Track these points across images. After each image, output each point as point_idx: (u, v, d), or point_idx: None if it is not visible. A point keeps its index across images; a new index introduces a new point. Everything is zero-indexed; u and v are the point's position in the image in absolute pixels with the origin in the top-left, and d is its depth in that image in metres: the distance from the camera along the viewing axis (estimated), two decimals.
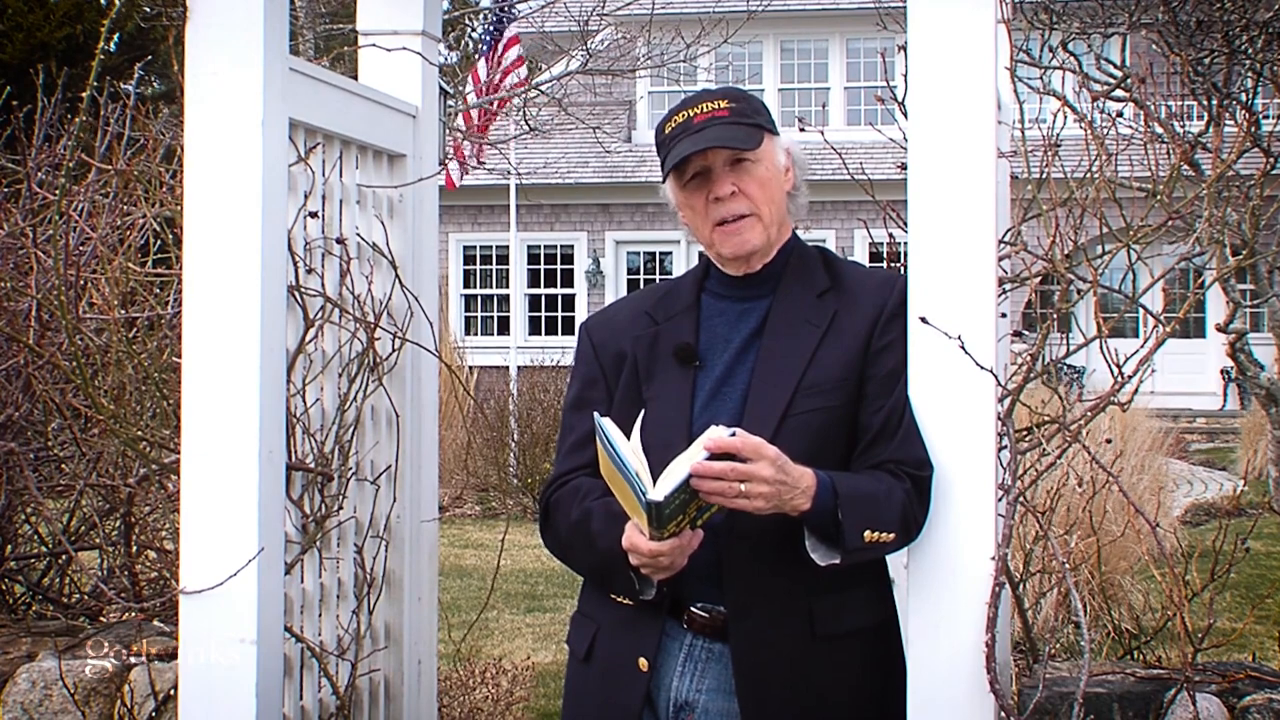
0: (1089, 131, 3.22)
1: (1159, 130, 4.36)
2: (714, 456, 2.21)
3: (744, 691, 2.39)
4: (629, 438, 2.31)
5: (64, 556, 4.70)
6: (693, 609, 2.43)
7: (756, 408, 2.41)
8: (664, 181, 2.56)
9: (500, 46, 13.33)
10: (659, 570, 2.33)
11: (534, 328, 22.24)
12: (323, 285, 3.29)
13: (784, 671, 2.39)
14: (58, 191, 3.65)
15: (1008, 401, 2.71)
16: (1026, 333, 3.52)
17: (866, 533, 2.33)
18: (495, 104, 13.33)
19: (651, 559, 2.29)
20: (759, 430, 2.37)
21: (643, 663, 2.43)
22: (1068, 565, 3.99)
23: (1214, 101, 5.15)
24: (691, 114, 2.48)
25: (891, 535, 2.37)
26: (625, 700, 2.44)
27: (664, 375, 2.48)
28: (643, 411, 2.43)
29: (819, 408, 2.40)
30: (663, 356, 2.50)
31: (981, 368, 2.48)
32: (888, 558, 2.56)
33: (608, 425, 2.30)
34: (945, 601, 2.51)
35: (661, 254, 22.13)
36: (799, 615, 2.39)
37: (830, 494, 2.30)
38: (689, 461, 2.22)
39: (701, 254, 2.67)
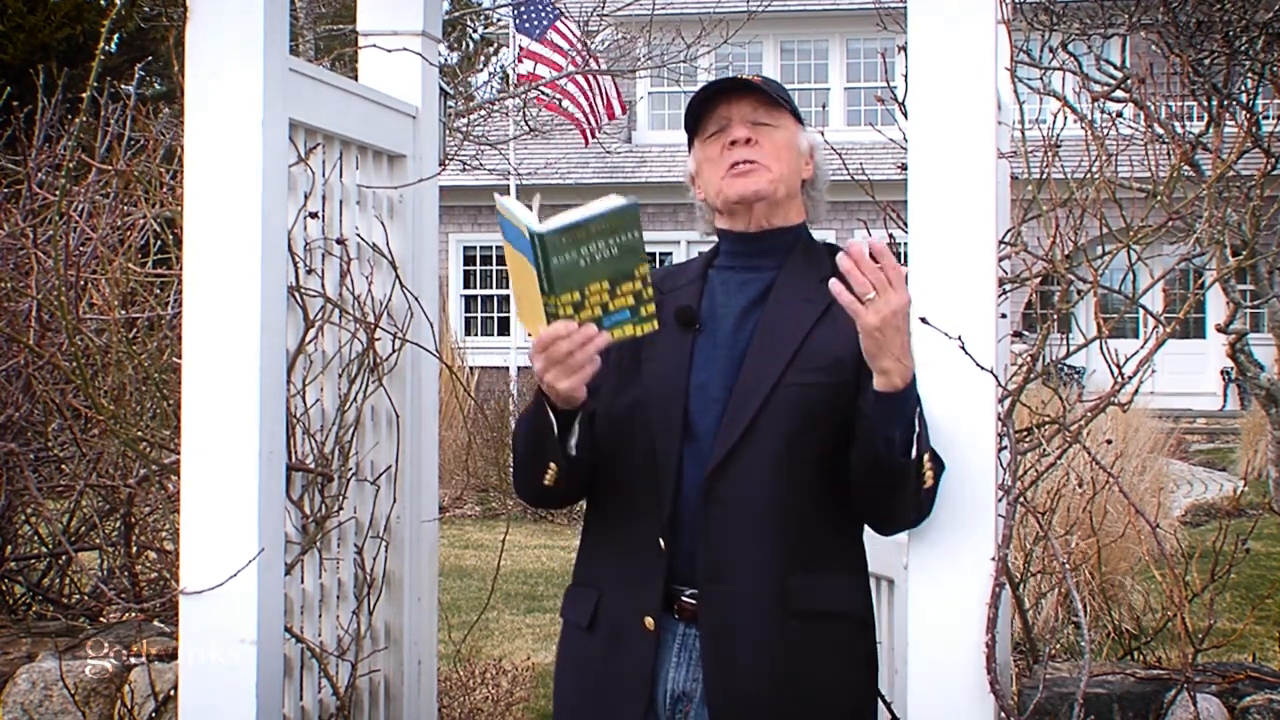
0: (1089, 132, 3.22)
1: (1159, 131, 4.36)
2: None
3: (709, 660, 2.38)
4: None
5: (64, 557, 4.70)
6: (683, 598, 2.43)
7: (750, 374, 2.43)
8: (688, 136, 2.59)
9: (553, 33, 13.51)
10: (553, 366, 2.25)
11: None
12: (323, 286, 3.29)
13: (751, 641, 2.37)
14: (58, 192, 3.65)
15: (1008, 402, 2.71)
16: (1026, 333, 3.53)
17: (928, 459, 2.35)
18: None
19: (546, 346, 2.22)
20: (750, 396, 2.40)
21: (649, 621, 2.42)
22: (1068, 565, 3.99)
23: (1214, 102, 5.16)
24: (722, 80, 2.56)
25: (929, 482, 2.38)
26: (636, 665, 2.43)
27: (664, 339, 2.49)
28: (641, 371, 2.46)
29: (810, 383, 2.41)
30: (664, 322, 2.52)
31: (981, 368, 2.48)
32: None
33: (507, 202, 2.23)
34: (945, 601, 2.51)
35: (662, 254, 22.12)
36: (773, 588, 2.39)
37: (916, 400, 2.31)
38: (587, 210, 2.19)
39: (701, 253, 2.68)
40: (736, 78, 2.53)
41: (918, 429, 2.32)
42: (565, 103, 14.16)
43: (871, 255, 2.22)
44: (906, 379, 2.29)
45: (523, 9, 13.83)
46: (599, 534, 2.53)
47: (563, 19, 13.69)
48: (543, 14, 13.77)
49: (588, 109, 14.34)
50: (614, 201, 2.21)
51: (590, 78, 13.90)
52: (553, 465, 2.41)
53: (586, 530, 2.60)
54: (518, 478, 2.54)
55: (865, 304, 2.22)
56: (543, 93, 13.64)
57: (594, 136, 14.66)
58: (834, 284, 2.23)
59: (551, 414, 2.37)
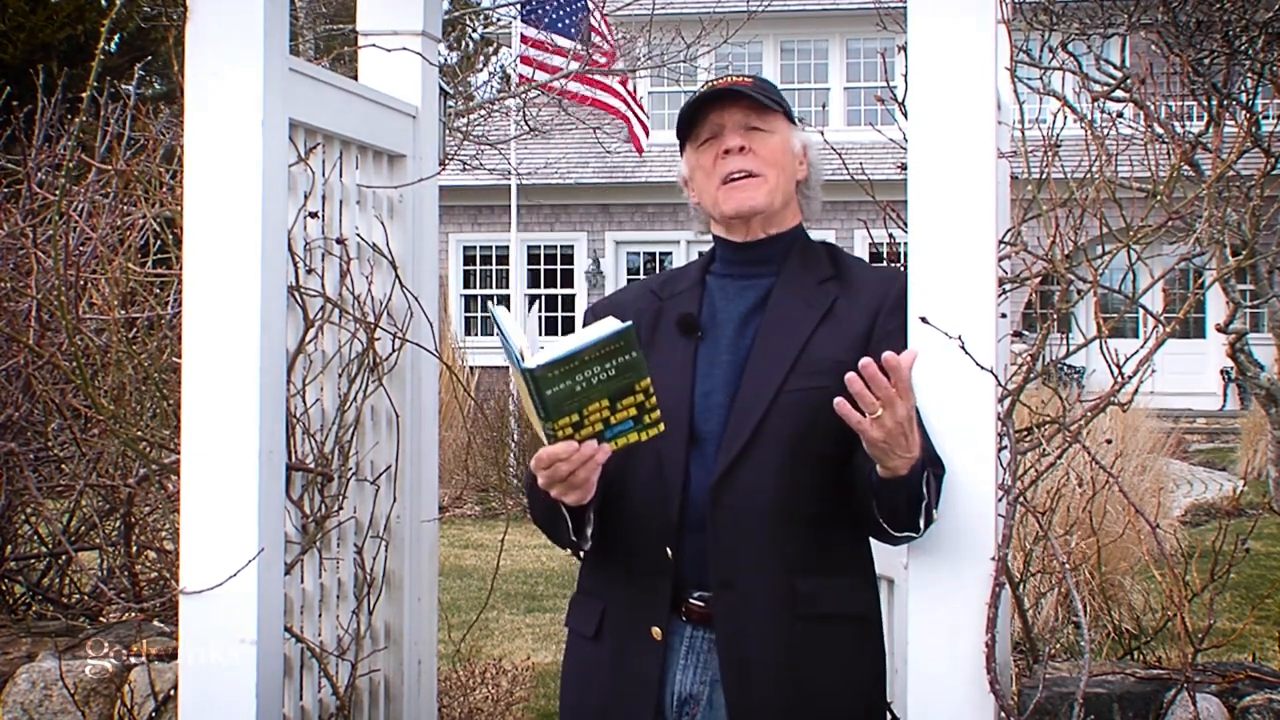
0: (1089, 132, 3.22)
1: (1159, 130, 4.36)
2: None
3: (727, 667, 2.39)
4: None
5: (64, 556, 4.70)
6: (690, 600, 2.43)
7: (753, 381, 2.43)
8: (680, 144, 2.58)
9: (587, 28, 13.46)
10: (557, 483, 2.25)
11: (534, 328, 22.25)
12: (323, 285, 3.29)
13: (766, 648, 2.38)
14: (58, 191, 3.65)
15: (1008, 401, 2.71)
16: (1026, 333, 3.53)
17: (935, 512, 2.38)
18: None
19: (548, 466, 2.23)
20: (753, 403, 2.40)
21: (656, 632, 2.42)
22: (1068, 565, 3.99)
23: (1214, 102, 5.16)
24: (715, 82, 2.55)
25: (935, 517, 2.41)
26: (641, 673, 2.43)
27: (666, 346, 2.49)
28: None
29: (813, 387, 2.41)
30: (665, 329, 2.52)
31: (981, 368, 2.48)
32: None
33: (501, 314, 2.21)
34: (945, 601, 2.51)
35: (661, 254, 22.13)
36: (783, 592, 2.39)
37: (921, 466, 2.31)
38: (581, 339, 2.17)
39: (701, 253, 2.68)
40: (728, 86, 2.51)
41: (926, 497, 2.33)
42: (619, 104, 14.06)
43: (883, 370, 2.20)
44: (911, 465, 2.29)
45: (527, 5, 13.80)
46: (604, 544, 2.52)
47: (594, 15, 13.61)
48: (569, 9, 13.66)
49: (634, 118, 14.22)
50: (607, 328, 2.17)
51: (628, 91, 13.82)
52: (570, 549, 2.46)
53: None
54: (531, 514, 2.55)
55: (871, 420, 2.22)
56: (571, 98, 13.52)
57: (644, 142, 14.56)
58: (839, 403, 2.21)
59: (564, 509, 2.38)
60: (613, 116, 14.69)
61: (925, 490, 2.33)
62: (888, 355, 2.21)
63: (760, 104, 2.50)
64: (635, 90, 14.59)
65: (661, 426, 2.24)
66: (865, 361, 2.20)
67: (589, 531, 2.43)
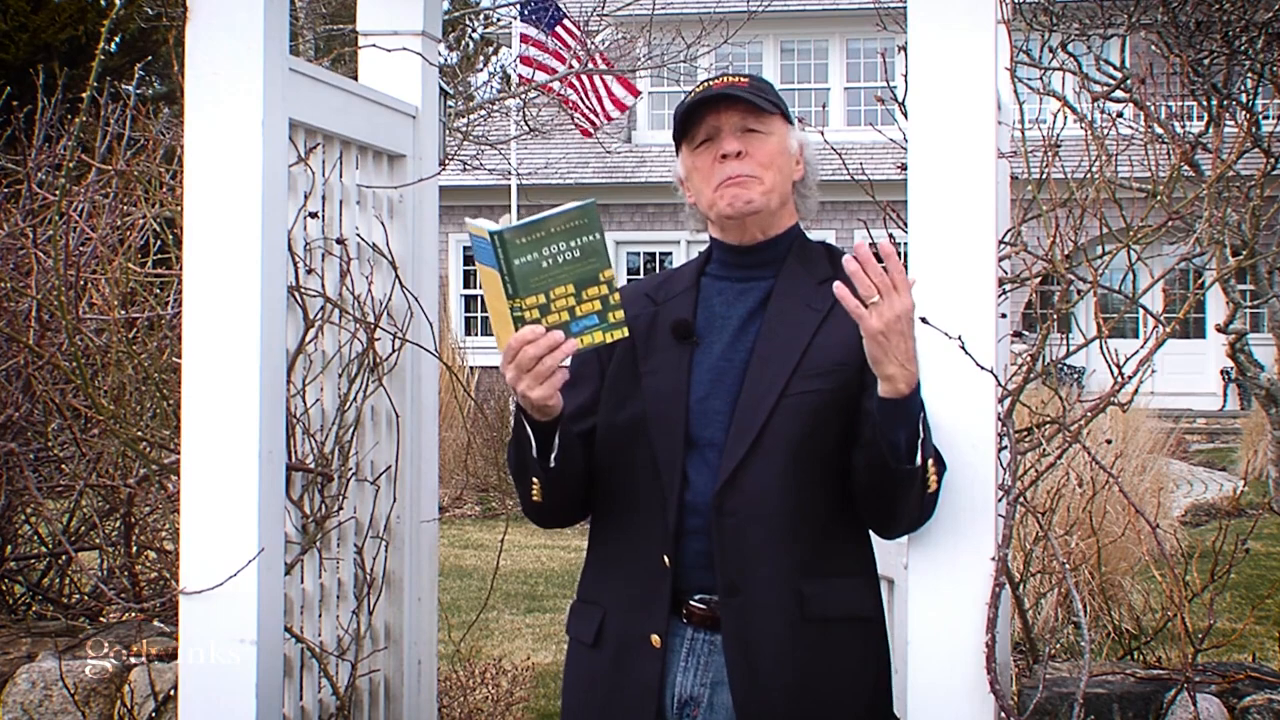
0: (1089, 132, 3.22)
1: (1159, 131, 4.36)
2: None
3: (734, 671, 2.39)
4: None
5: (64, 557, 4.70)
6: (691, 601, 2.43)
7: (754, 385, 2.42)
8: (676, 145, 2.57)
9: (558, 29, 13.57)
10: (524, 375, 2.24)
11: None
12: (323, 286, 3.29)
13: (773, 652, 2.38)
14: (58, 192, 3.66)
15: (1008, 402, 2.71)
16: (1026, 333, 3.53)
17: (932, 463, 2.35)
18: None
19: (514, 354, 2.22)
20: (755, 407, 2.39)
21: (655, 639, 2.42)
22: (1068, 565, 4.00)
23: (1214, 102, 5.16)
24: (711, 83, 2.53)
25: (934, 486, 2.38)
26: (642, 679, 2.43)
27: (662, 352, 2.49)
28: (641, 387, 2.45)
29: (815, 390, 2.40)
30: (661, 334, 2.51)
31: (981, 368, 2.48)
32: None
33: (475, 220, 2.23)
34: (945, 601, 2.51)
35: (661, 254, 22.14)
36: (788, 596, 2.39)
37: (920, 405, 2.30)
38: (546, 212, 2.19)
39: (701, 252, 2.67)
40: (725, 88, 2.49)
41: (922, 434, 2.32)
42: (571, 94, 14.20)
43: (877, 257, 2.21)
44: (911, 385, 2.28)
45: (527, 5, 13.85)
46: (602, 551, 2.52)
47: (567, 19, 13.72)
48: (547, 13, 13.79)
49: (586, 107, 14.39)
50: (572, 203, 2.22)
51: (590, 78, 13.94)
52: (535, 480, 2.41)
53: (590, 547, 2.58)
54: (519, 496, 2.54)
55: (869, 308, 2.22)
56: (540, 89, 13.67)
57: (593, 131, 14.70)
58: (838, 287, 2.22)
59: (530, 428, 2.36)
60: (573, 110, 14.74)
61: (923, 428, 2.31)
62: (883, 243, 2.22)
63: (757, 106, 2.50)
64: (609, 86, 14.63)
65: (626, 331, 2.26)
66: (859, 245, 2.21)
67: (553, 455, 2.39)
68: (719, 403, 2.43)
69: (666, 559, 2.41)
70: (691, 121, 2.52)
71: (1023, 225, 3.12)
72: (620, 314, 2.25)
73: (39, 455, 4.59)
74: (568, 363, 2.30)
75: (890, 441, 2.30)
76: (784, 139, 2.53)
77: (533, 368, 2.24)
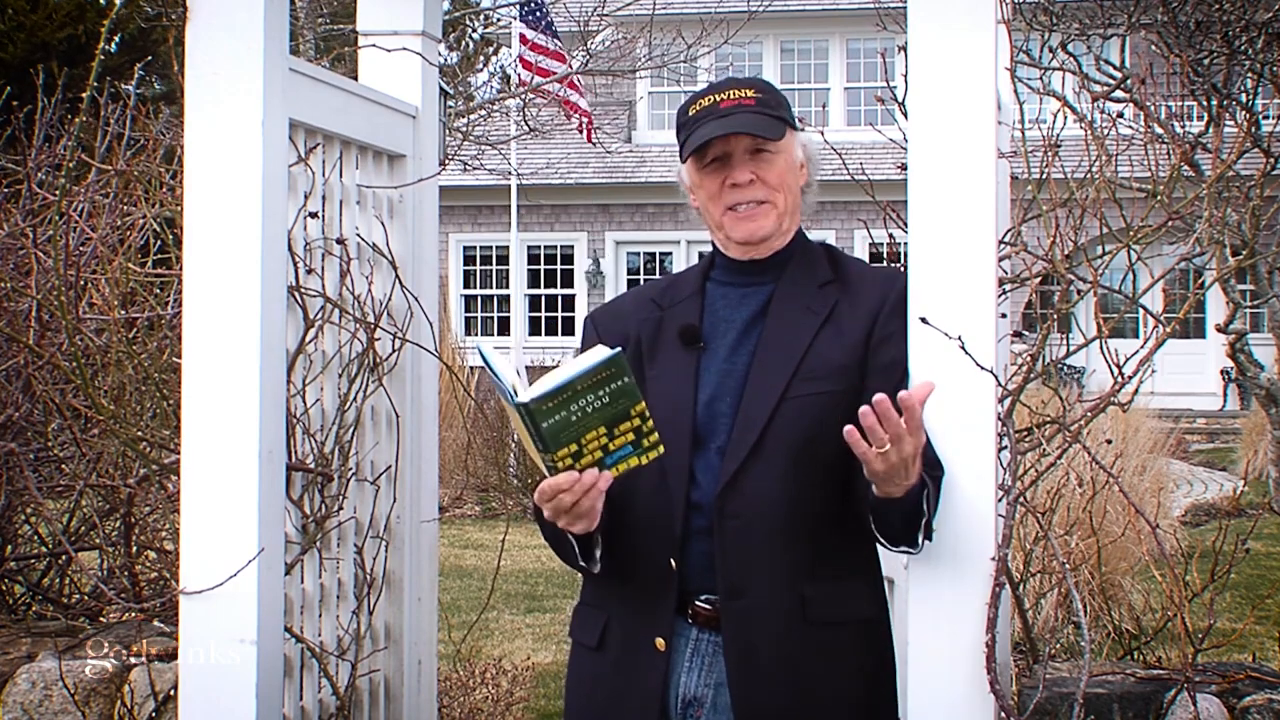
0: (1089, 132, 3.22)
1: (1159, 131, 4.36)
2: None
3: (734, 674, 2.39)
4: None
5: (64, 557, 4.70)
6: (696, 602, 2.43)
7: (756, 389, 2.43)
8: (683, 161, 2.56)
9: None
10: (562, 514, 2.26)
11: (534, 328, 22.24)
12: (323, 286, 3.29)
13: (774, 655, 2.39)
14: (58, 191, 3.66)
15: (1008, 402, 2.71)
16: (1026, 333, 3.53)
17: (934, 526, 2.40)
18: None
19: (551, 498, 2.23)
20: (756, 411, 2.40)
21: (659, 643, 2.43)
22: (1068, 565, 4.00)
23: (1214, 102, 5.16)
24: (718, 99, 2.49)
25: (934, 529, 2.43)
26: (645, 683, 2.43)
27: (668, 357, 2.49)
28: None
29: (816, 392, 2.41)
30: (667, 339, 2.52)
31: (981, 368, 2.48)
32: (886, 557, 2.56)
33: (488, 352, 2.23)
34: (945, 602, 2.51)
35: (661, 254, 22.14)
36: (791, 599, 2.39)
37: (919, 487, 2.31)
38: (571, 369, 2.18)
39: (702, 254, 2.67)
40: (734, 114, 2.45)
41: (925, 515, 2.33)
42: (573, 95, 14.23)
43: (897, 408, 2.18)
44: (908, 490, 2.28)
45: (526, 6, 13.88)
46: (606, 555, 2.53)
47: (552, 28, 13.79)
48: (546, 14, 13.83)
49: (585, 107, 14.46)
50: (597, 356, 2.19)
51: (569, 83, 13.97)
52: (580, 571, 2.47)
53: None
54: (543, 534, 2.54)
55: (877, 453, 2.19)
56: (535, 93, 13.70)
57: (593, 134, 14.76)
58: (849, 431, 2.18)
59: (572, 538, 2.38)
60: (578, 115, 14.77)
61: (925, 506, 2.33)
62: (903, 394, 2.19)
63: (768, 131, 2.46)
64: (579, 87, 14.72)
65: (661, 449, 2.25)
66: (880, 398, 2.16)
67: (597, 554, 2.43)
68: (724, 406, 2.44)
69: (673, 562, 2.42)
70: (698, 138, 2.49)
71: (1023, 225, 3.12)
72: (655, 437, 2.23)
73: (39, 455, 4.59)
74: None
75: (885, 526, 2.34)
76: (791, 153, 2.53)
77: (571, 510, 2.25)
